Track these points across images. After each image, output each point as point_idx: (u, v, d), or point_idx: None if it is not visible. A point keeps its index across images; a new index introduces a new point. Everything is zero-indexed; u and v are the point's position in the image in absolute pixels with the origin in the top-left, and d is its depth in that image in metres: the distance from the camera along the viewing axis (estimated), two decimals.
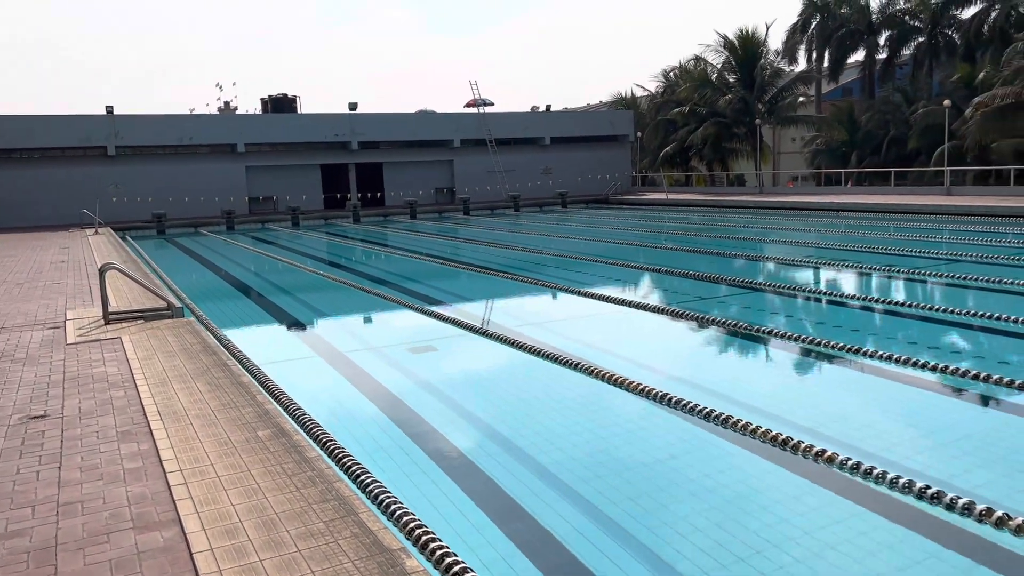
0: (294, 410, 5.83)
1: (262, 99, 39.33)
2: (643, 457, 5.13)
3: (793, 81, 40.52)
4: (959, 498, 3.94)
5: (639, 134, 43.55)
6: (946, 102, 29.10)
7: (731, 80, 41.17)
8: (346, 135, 34.75)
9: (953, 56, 36.76)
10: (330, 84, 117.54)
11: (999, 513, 3.76)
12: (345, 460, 4.75)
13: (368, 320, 11.16)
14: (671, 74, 46.05)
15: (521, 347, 8.09)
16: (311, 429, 5.39)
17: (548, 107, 42.09)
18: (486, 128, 37.34)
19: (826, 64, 42.05)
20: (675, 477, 4.80)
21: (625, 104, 47.84)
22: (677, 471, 4.88)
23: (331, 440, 5.15)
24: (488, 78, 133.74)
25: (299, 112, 37.71)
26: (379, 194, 35.73)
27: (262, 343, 9.74)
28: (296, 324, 10.95)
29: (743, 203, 29.50)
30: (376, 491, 4.21)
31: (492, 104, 39.08)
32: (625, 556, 3.87)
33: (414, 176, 36.59)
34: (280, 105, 37.84)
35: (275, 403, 5.75)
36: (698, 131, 40.14)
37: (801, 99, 42.09)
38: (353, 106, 35.31)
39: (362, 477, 4.46)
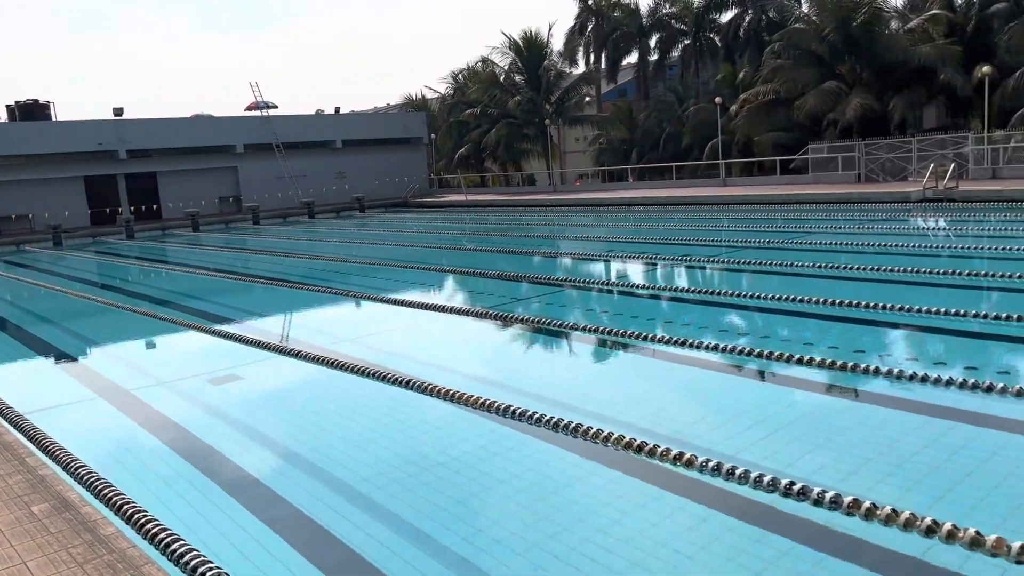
0: (78, 471, 4.80)
1: (7, 106, 34.41)
2: (454, 464, 5.02)
3: (577, 82, 42.32)
4: (764, 475, 4.13)
5: (433, 136, 43.71)
6: (717, 99, 31.59)
7: (519, 81, 42.34)
8: (112, 143, 31.84)
9: (716, 57, 40.05)
10: (90, 92, 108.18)
11: (799, 485, 3.98)
12: (152, 528, 3.89)
13: (153, 347, 10.22)
14: (460, 76, 46.61)
15: (322, 362, 7.72)
16: (104, 494, 4.40)
17: (337, 109, 41.19)
18: (272, 132, 35.79)
19: (603, 65, 44.31)
20: (486, 481, 4.74)
21: (416, 106, 47.88)
22: (488, 474, 4.83)
23: (132, 506, 4.22)
24: (271, 80, 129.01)
25: (54, 119, 33.90)
26: (155, 206, 33.11)
27: (26, 388, 8.38)
28: (68, 360, 9.78)
29: (539, 202, 30.40)
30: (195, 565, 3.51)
31: (276, 107, 37.58)
32: (439, 569, 3.74)
33: (194, 185, 34.17)
34: (30, 112, 33.54)
35: (52, 464, 4.88)
36: (491, 132, 40.93)
37: (587, 99, 44.10)
38: (119, 111, 32.42)
39: (174, 547, 3.65)
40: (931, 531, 3.41)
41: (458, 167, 44.64)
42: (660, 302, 10.46)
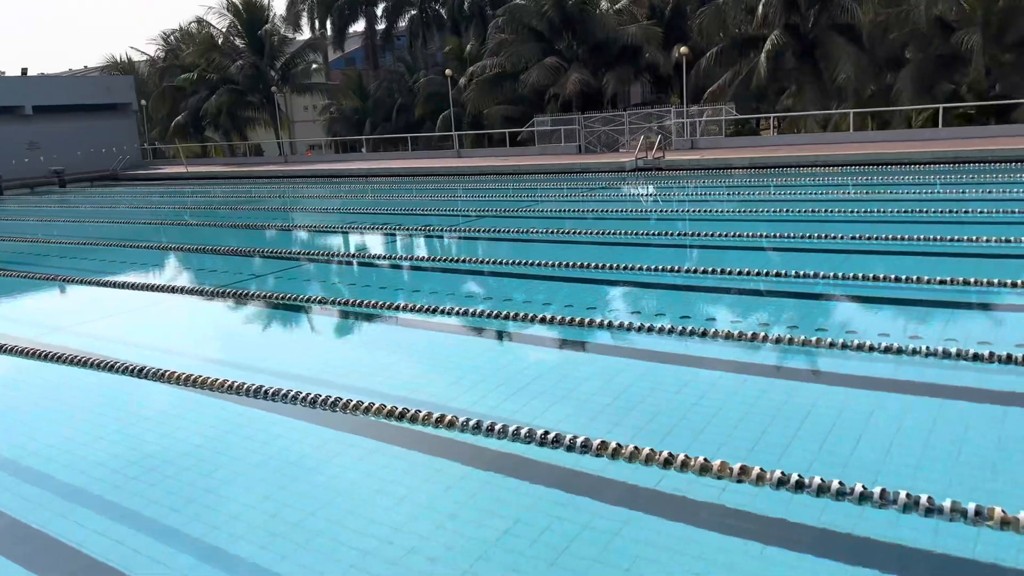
0: None
1: None
2: (182, 447, 4.70)
3: (303, 48, 40.85)
4: (520, 428, 4.29)
5: (143, 103, 39.99)
6: (448, 71, 32.03)
7: (240, 45, 39.95)
8: None
9: (443, 29, 40.60)
10: None
11: (552, 433, 4.18)
12: None
13: None
14: (172, 38, 43.02)
15: (29, 355, 6.81)
16: None
17: (24, 71, 36.23)
18: None
19: (330, 32, 43.19)
20: (219, 460, 4.51)
21: (122, 70, 43.45)
22: (221, 453, 4.60)
23: None
24: None
25: None
26: None
27: None
28: None
29: (270, 173, 29.10)
30: None
31: None
32: (171, 552, 3.51)
33: None
34: None
35: None
36: (211, 99, 38.31)
37: (315, 66, 42.71)
38: None
39: None
40: (668, 463, 3.76)
41: (175, 137, 41.33)
42: (402, 272, 10.48)
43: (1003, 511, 3.10)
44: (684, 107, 26.88)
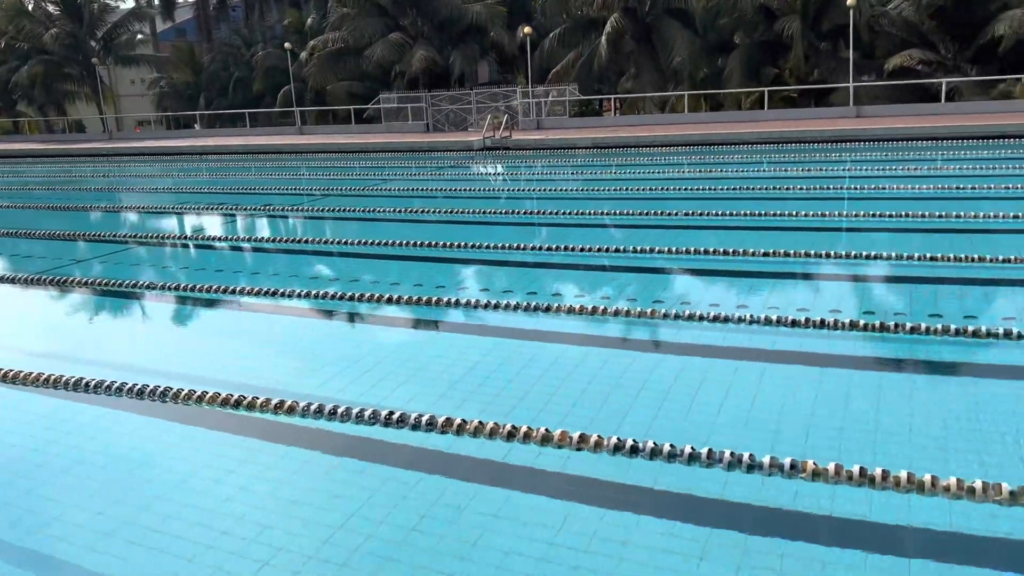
0: None
1: None
2: (13, 452, 4.33)
3: (127, 17, 38.14)
4: (364, 410, 4.22)
5: None
6: (287, 45, 30.87)
7: (54, 12, 36.78)
8: None
9: (281, 1, 39.04)
10: None
11: (397, 413, 4.14)
12: None
13: None
14: None
15: None
16: None
17: None
18: None
19: (157, 2, 40.56)
20: (39, 459, 4.20)
21: None
22: (41, 451, 4.29)
23: None
24: None
25: None
26: None
27: None
28: None
29: (93, 151, 27.06)
30: None
31: None
32: (9, 570, 3.23)
33: None
34: None
35: None
36: (22, 70, 35.08)
37: (140, 37, 39.98)
38: None
39: None
40: (511, 436, 3.82)
41: None
42: (243, 254, 10.07)
43: (815, 463, 3.36)
44: (530, 87, 27.27)
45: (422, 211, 11.68)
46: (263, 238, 10.76)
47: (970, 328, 5.15)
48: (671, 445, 3.60)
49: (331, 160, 20.96)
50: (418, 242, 9.01)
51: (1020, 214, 8.71)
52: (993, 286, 6.57)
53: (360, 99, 31.04)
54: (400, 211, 11.71)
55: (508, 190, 15.73)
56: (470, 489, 3.68)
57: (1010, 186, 10.97)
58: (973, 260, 6.96)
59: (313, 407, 4.28)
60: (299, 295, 7.07)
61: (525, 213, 11.86)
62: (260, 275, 8.70)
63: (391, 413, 4.13)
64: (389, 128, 27.60)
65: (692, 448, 3.55)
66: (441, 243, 8.85)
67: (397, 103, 28.25)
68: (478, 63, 34.16)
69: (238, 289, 7.37)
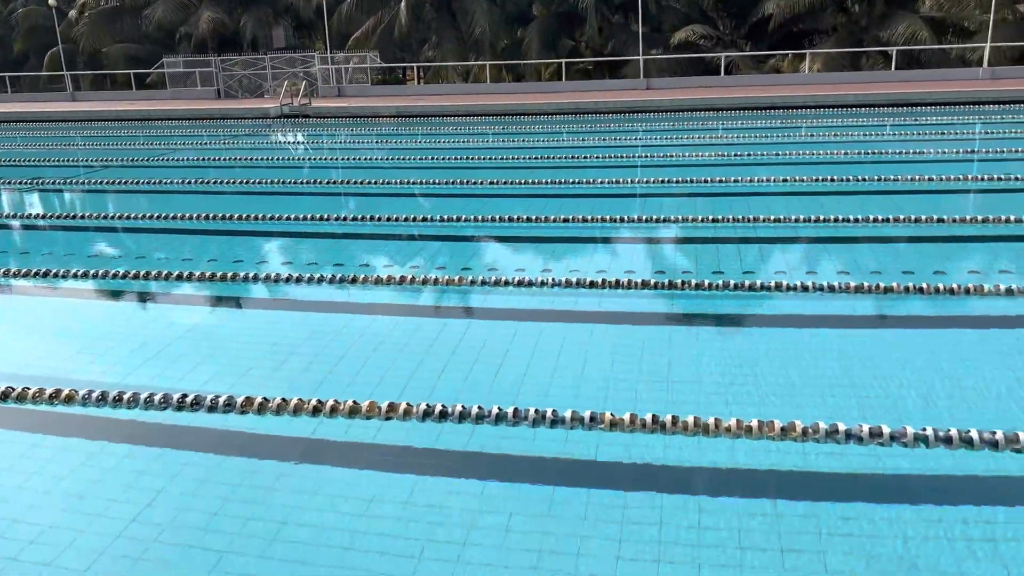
0: None
1: None
2: None
3: None
4: (153, 395, 3.94)
5: None
6: (52, 2, 27.82)
7: None
8: None
9: None
10: None
11: (191, 396, 3.90)
12: None
13: None
14: None
15: None
16: None
17: None
18: None
19: None
20: None
21: None
22: None
23: None
24: None
25: None
26: None
27: None
28: None
29: None
30: None
31: None
32: None
33: None
34: None
35: None
36: None
37: None
38: None
39: None
40: (317, 411, 3.72)
41: None
42: (11, 232, 9.06)
43: (612, 415, 3.55)
44: (328, 53, 26.44)
45: (218, 182, 11.04)
46: (33, 214, 9.73)
47: (747, 283, 5.62)
48: (479, 407, 3.66)
49: (110, 129, 19.28)
50: (213, 215, 8.51)
51: (788, 178, 9.59)
52: (768, 244, 7.19)
53: (141, 63, 28.65)
54: (192, 182, 11.01)
55: (310, 159, 15.22)
56: (278, 468, 3.56)
57: (779, 152, 12.05)
58: (750, 220, 7.58)
59: (95, 395, 3.95)
60: (77, 275, 6.47)
61: (329, 183, 11.54)
62: (31, 255, 7.87)
63: (184, 396, 3.88)
64: (176, 94, 25.75)
65: (499, 408, 3.62)
66: (238, 215, 8.42)
67: (184, 67, 26.38)
68: (272, 27, 32.57)
69: (5, 271, 6.63)
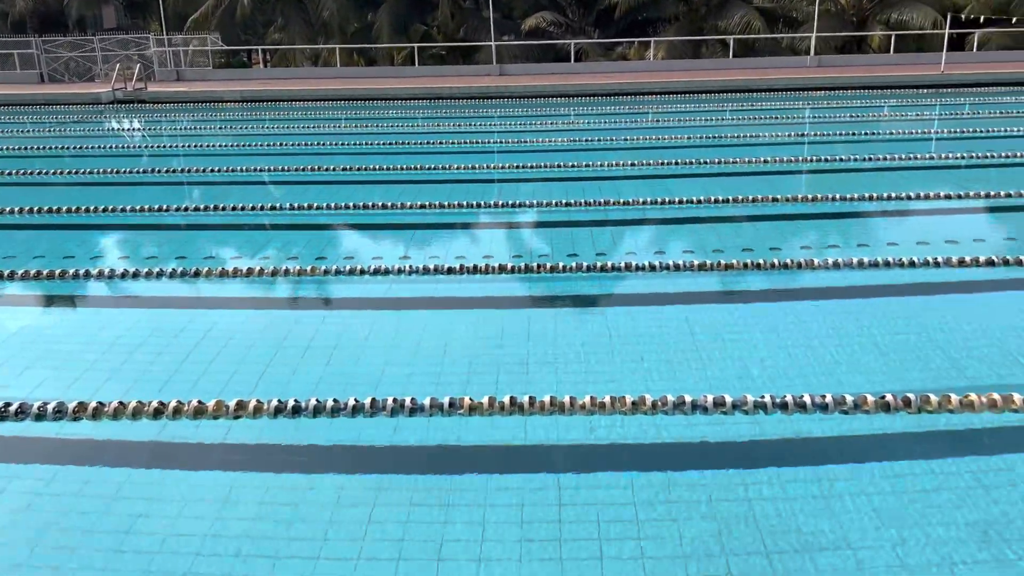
0: None
1: None
2: None
3: None
4: None
5: None
6: None
7: None
8: None
9: None
10: None
11: (15, 405, 3.59)
12: None
13: None
14: None
15: None
16: None
17: None
18: None
19: None
20: None
21: None
22: None
23: None
24: None
25: None
26: None
27: None
28: None
29: None
30: None
31: None
32: None
33: None
34: None
35: None
36: None
37: None
38: None
39: None
40: (159, 413, 3.52)
41: None
42: None
43: (471, 399, 3.56)
44: (165, 35, 24.97)
45: (44, 173, 10.20)
46: None
47: (599, 264, 5.78)
48: (334, 400, 3.57)
49: None
50: (40, 208, 7.86)
51: (636, 162, 9.93)
52: (619, 226, 7.42)
53: None
54: (13, 173, 10.11)
55: (148, 147, 14.35)
56: (120, 475, 3.34)
57: (628, 137, 12.44)
58: (602, 204, 7.79)
59: None
60: None
61: (169, 172, 10.90)
62: None
63: (7, 405, 3.56)
64: None
65: (355, 400, 3.55)
66: (68, 208, 7.82)
67: (0, 48, 24.18)
68: (102, 6, 30.38)
69: None
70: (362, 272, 5.75)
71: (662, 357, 4.38)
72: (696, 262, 5.72)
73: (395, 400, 3.54)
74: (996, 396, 3.44)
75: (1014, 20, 25.84)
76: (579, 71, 24.58)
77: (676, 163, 9.90)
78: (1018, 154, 9.93)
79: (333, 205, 7.85)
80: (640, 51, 30.85)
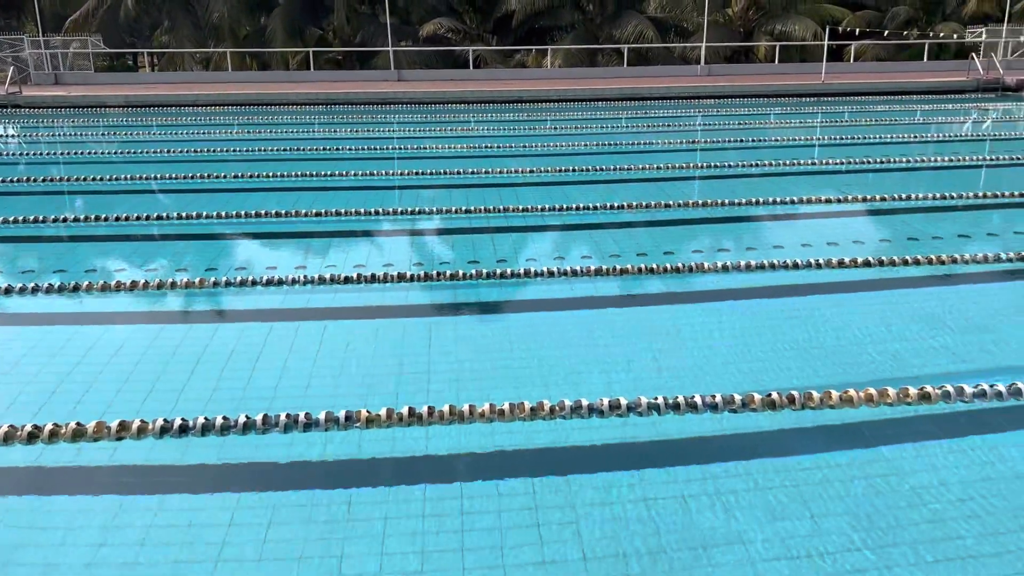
0: None
1: None
2: None
3: None
4: None
5: None
6: None
7: None
8: None
9: None
10: None
11: None
12: None
13: None
14: None
15: None
16: None
17: None
18: None
19: None
20: None
21: None
22: None
23: None
24: None
25: None
26: None
27: None
28: None
29: None
30: None
31: None
32: None
33: None
34: None
35: None
36: None
37: None
38: None
39: None
40: (33, 437, 3.32)
41: None
42: None
43: (368, 411, 3.51)
44: (41, 36, 23.67)
45: None
46: None
47: (498, 271, 5.81)
48: (224, 417, 3.45)
49: None
50: None
51: (536, 168, 10.04)
52: (519, 232, 7.47)
53: None
54: None
55: (24, 154, 13.54)
56: None
57: (527, 144, 12.57)
58: (501, 211, 7.84)
59: None
60: None
61: (48, 181, 10.33)
62: None
63: None
64: None
65: (247, 417, 3.44)
66: None
67: None
68: None
69: None
70: (255, 283, 5.59)
71: (563, 362, 4.44)
72: (593, 267, 5.82)
73: (288, 415, 3.45)
74: (872, 391, 3.63)
75: (886, 33, 27.50)
76: (478, 78, 24.68)
77: (574, 170, 10.05)
78: (892, 160, 10.55)
79: (224, 214, 7.61)
80: (538, 59, 31.24)
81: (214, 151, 12.40)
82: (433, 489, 3.23)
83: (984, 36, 26.01)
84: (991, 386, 3.66)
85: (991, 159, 10.92)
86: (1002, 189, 8.48)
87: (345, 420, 3.44)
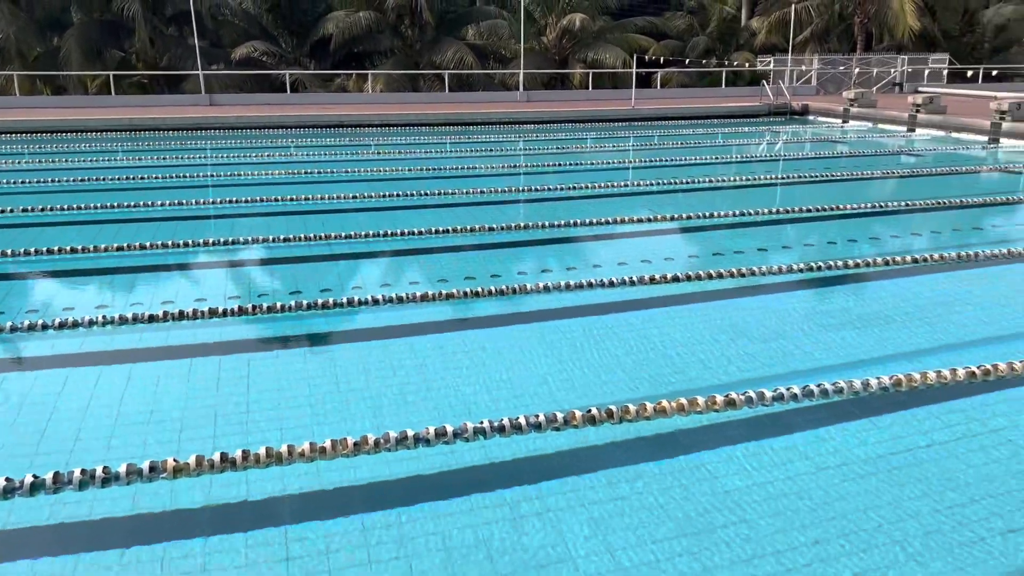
0: None
1: None
2: None
3: None
4: None
5: None
6: None
7: None
8: None
9: None
10: None
11: None
12: None
13: None
14: None
15: None
16: None
17: None
18: None
19: None
20: None
21: None
22: None
23: None
24: None
25: None
26: None
27: None
28: None
29: None
30: None
31: None
32: None
33: None
34: None
35: None
36: None
37: None
38: None
39: None
40: None
41: None
42: None
43: (176, 460, 3.29)
44: None
45: None
46: None
47: (322, 301, 5.64)
48: (7, 479, 3.10)
49: None
50: None
51: (359, 194, 9.88)
52: (344, 260, 7.31)
53: None
54: None
55: None
56: None
57: (349, 170, 12.36)
58: (324, 238, 7.64)
59: None
60: None
61: None
62: None
63: None
64: None
65: (34, 476, 3.11)
66: None
67: None
68: None
69: None
70: (46, 327, 5.11)
71: (391, 391, 4.35)
72: (419, 293, 5.78)
73: (83, 471, 3.15)
74: (683, 400, 3.83)
75: (687, 61, 29.52)
76: (296, 102, 24.09)
77: (399, 195, 10.00)
78: (697, 179, 11.28)
79: (11, 252, 6.93)
80: (359, 83, 30.93)
81: (1, 183, 11.30)
82: (254, 536, 3.05)
83: (773, 65, 28.56)
84: (787, 389, 3.96)
85: (783, 177, 11.93)
86: (794, 204, 9.28)
87: (150, 471, 3.18)
